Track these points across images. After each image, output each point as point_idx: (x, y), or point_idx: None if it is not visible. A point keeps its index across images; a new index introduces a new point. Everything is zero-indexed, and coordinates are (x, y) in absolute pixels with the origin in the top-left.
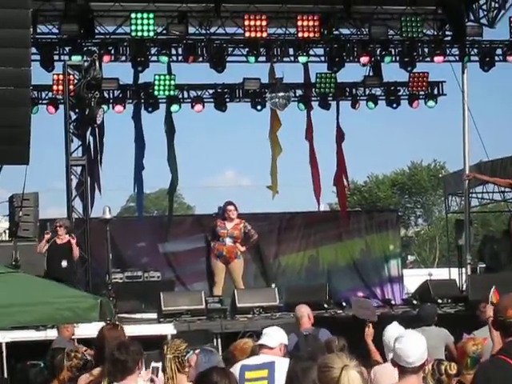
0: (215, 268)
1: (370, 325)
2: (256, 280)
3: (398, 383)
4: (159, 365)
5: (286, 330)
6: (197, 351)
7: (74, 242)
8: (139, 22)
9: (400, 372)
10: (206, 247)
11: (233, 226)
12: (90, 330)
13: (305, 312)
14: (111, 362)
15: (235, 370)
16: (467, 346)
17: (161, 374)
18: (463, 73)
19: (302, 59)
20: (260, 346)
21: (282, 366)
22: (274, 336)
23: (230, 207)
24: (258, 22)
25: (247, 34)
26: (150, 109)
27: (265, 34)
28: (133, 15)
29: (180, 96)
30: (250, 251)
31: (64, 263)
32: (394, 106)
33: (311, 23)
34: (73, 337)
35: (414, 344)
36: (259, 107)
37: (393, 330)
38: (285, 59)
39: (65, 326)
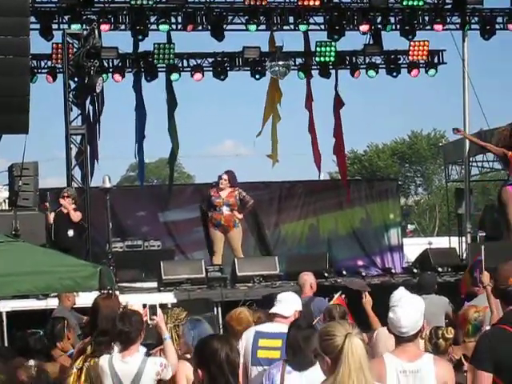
0: (214, 238)
1: (367, 293)
2: (255, 249)
3: (394, 351)
4: (156, 303)
5: None
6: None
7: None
8: None
9: (396, 339)
10: (202, 217)
11: (227, 195)
12: (90, 299)
13: (308, 280)
14: (115, 334)
15: (249, 335)
16: (469, 312)
17: (159, 310)
18: (463, 41)
19: (302, 27)
20: (274, 314)
21: None
22: (289, 303)
23: (224, 176)
24: None
25: (247, 1)
26: (149, 78)
27: (264, 2)
28: None
29: (180, 65)
30: (249, 221)
31: (70, 232)
32: (394, 74)
33: None
34: (74, 306)
35: (406, 314)
36: (258, 76)
37: (400, 295)
38: (285, 27)
39: (66, 296)
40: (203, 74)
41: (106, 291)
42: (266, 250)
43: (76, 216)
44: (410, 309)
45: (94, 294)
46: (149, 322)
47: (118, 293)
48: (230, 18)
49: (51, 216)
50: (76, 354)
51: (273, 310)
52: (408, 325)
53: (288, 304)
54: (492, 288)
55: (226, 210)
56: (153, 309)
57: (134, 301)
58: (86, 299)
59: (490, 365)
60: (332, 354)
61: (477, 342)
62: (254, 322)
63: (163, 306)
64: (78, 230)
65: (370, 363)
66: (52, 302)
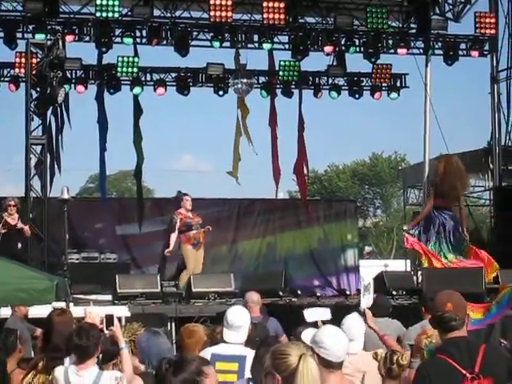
0: (190, 256)
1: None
2: (212, 265)
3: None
4: (113, 313)
5: None
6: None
7: (22, 225)
8: (104, 2)
9: (324, 366)
10: (163, 233)
11: (194, 215)
12: (43, 309)
13: (255, 299)
14: (72, 348)
15: (205, 357)
16: (420, 339)
17: (116, 321)
18: (426, 66)
19: (267, 46)
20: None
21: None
22: (241, 329)
23: (188, 197)
24: (223, 1)
25: (212, 14)
26: (111, 90)
27: (230, 14)
28: None
29: (143, 78)
30: (207, 237)
31: (19, 244)
32: (357, 96)
33: (277, 10)
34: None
35: (342, 340)
36: (221, 92)
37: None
38: (249, 45)
39: (18, 307)
40: (166, 89)
41: (59, 307)
42: (222, 266)
43: (27, 230)
44: (340, 335)
45: (48, 306)
46: (105, 331)
47: (72, 305)
48: (194, 33)
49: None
50: (27, 369)
51: (227, 339)
52: (343, 350)
53: (240, 330)
54: (430, 318)
55: (200, 228)
56: (109, 319)
57: (91, 308)
58: (39, 310)
59: None
60: (284, 373)
61: (416, 373)
62: (210, 338)
63: (118, 320)
64: (26, 242)
65: None
66: (4, 312)
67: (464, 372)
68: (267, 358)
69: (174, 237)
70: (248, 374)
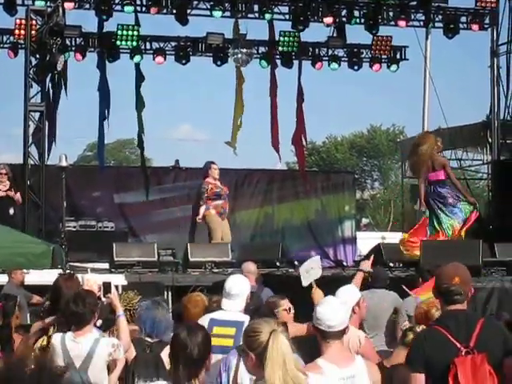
0: (218, 225)
1: (315, 286)
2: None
3: (327, 356)
4: (111, 280)
5: None
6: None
7: (12, 193)
8: None
9: (322, 338)
10: (161, 201)
11: (221, 184)
12: (40, 277)
13: (252, 269)
14: (69, 315)
15: (203, 322)
16: (430, 312)
17: (113, 288)
18: (426, 38)
19: (267, 16)
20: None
21: None
22: (239, 297)
23: (215, 166)
24: None
25: None
26: (110, 59)
27: None
28: None
29: (142, 47)
30: None
31: (11, 210)
32: (356, 68)
33: None
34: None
35: (335, 308)
36: (219, 62)
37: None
38: (249, 15)
39: (15, 273)
40: (165, 58)
41: (66, 272)
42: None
43: (18, 199)
44: (338, 304)
45: (45, 272)
46: (102, 299)
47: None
48: (194, 3)
49: None
50: (36, 333)
51: (224, 306)
52: (337, 318)
53: (238, 298)
54: (433, 288)
55: (226, 199)
56: (107, 286)
57: (89, 275)
58: (35, 277)
59: (422, 366)
60: (256, 350)
61: (412, 343)
62: (209, 307)
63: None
64: (21, 208)
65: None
66: (1, 278)
67: (459, 345)
68: (242, 336)
69: (203, 205)
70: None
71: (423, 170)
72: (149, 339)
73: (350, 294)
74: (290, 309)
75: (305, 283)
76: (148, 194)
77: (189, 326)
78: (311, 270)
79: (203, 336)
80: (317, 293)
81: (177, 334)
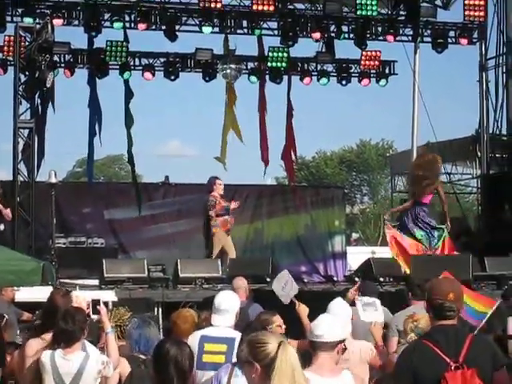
0: (222, 241)
1: (297, 302)
2: (200, 251)
3: (311, 368)
4: (99, 298)
5: None
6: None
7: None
8: None
9: (311, 349)
10: (151, 218)
11: (227, 201)
12: (30, 294)
13: (242, 285)
14: (58, 332)
15: (194, 339)
16: (406, 324)
17: (103, 305)
18: (415, 53)
19: (256, 32)
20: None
21: None
22: (229, 313)
23: (220, 181)
24: None
25: (201, 4)
26: (99, 75)
27: (219, 5)
28: None
29: (131, 63)
30: (198, 221)
31: (1, 227)
32: (344, 83)
33: None
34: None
35: (326, 320)
36: (208, 78)
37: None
38: (238, 31)
39: (5, 290)
40: (154, 74)
41: (61, 288)
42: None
43: (8, 214)
44: (332, 318)
45: (35, 289)
46: (91, 316)
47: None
48: (183, 18)
49: None
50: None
51: (213, 322)
52: (326, 329)
53: (227, 314)
54: (426, 302)
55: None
56: (96, 303)
57: (78, 292)
58: (26, 293)
59: (408, 380)
60: (263, 361)
61: (399, 356)
62: (199, 323)
63: (105, 304)
64: (11, 224)
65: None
66: None
67: (448, 360)
68: (244, 347)
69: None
70: (234, 358)
71: (426, 191)
72: (142, 356)
73: (341, 306)
74: (281, 324)
75: (285, 301)
76: (140, 210)
77: (176, 341)
78: (285, 286)
79: (189, 349)
80: (301, 308)
81: (166, 348)
